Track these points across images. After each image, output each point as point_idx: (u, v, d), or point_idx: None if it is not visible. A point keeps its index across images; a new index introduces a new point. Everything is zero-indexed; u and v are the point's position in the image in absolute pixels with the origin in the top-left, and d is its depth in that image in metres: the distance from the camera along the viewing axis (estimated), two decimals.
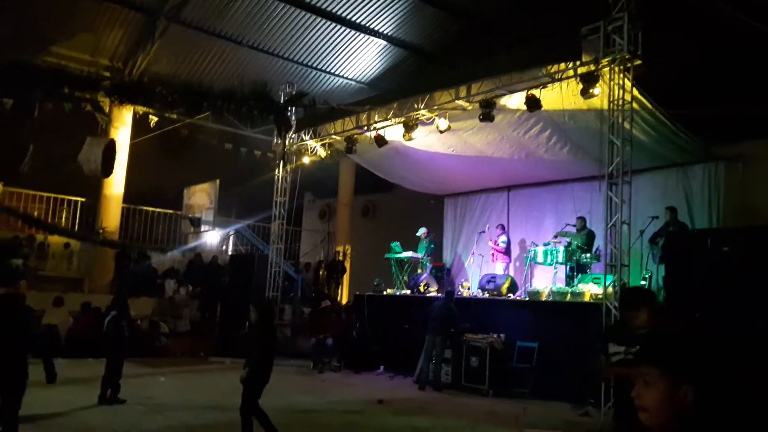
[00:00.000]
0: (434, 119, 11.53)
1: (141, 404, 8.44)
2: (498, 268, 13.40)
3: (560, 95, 10.00)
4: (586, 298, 10.27)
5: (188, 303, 15.47)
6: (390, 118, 12.11)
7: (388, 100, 12.21)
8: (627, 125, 8.79)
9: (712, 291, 8.18)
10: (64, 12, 13.41)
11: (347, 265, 18.13)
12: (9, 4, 12.78)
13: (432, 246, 14.79)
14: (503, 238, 13.64)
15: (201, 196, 17.73)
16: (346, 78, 16.41)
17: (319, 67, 15.98)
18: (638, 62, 8.70)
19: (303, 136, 14.15)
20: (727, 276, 8.13)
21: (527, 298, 11.52)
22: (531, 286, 12.09)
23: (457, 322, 11.08)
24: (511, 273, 13.31)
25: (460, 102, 10.94)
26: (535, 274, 13.17)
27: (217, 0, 13.64)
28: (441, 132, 11.52)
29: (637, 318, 4.17)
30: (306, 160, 14.44)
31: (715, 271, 8.26)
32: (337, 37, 15.14)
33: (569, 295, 10.64)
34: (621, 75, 8.74)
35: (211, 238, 17.76)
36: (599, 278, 10.17)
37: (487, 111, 10.48)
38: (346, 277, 18.16)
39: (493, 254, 13.72)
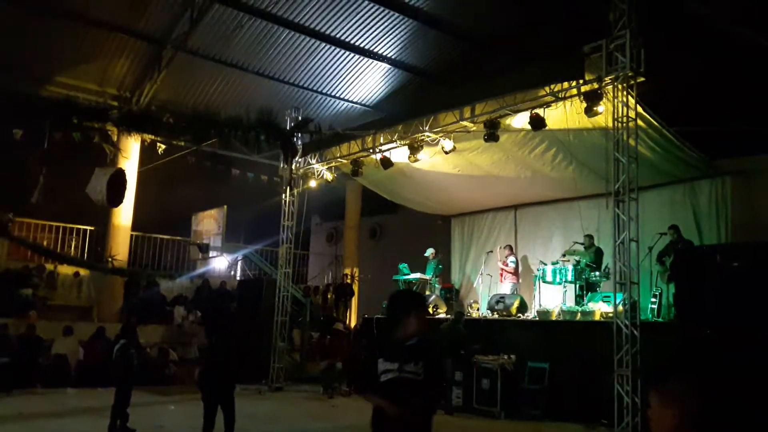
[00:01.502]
0: (439, 140, 11.57)
1: None
2: (505, 287, 13.36)
3: (564, 114, 10.02)
4: (597, 317, 10.20)
5: (197, 330, 15.44)
6: (395, 141, 12.16)
7: (393, 123, 12.26)
8: (632, 142, 8.78)
9: (723, 307, 8.12)
10: (70, 42, 13.60)
11: (355, 287, 18.09)
12: (16, 35, 12.97)
13: (440, 267, 14.75)
14: (512, 258, 13.63)
15: (209, 222, 17.81)
16: (351, 101, 16.53)
17: (323, 91, 16.12)
18: (641, 79, 8.71)
19: (309, 159, 14.21)
20: (738, 291, 8.07)
21: (537, 318, 11.44)
22: (540, 305, 12.02)
23: (466, 344, 11.00)
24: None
25: (464, 123, 10.97)
26: (543, 293, 13.11)
27: (223, 28, 13.82)
28: (446, 153, 11.55)
29: (405, 327, 3.64)
30: (312, 183, 14.49)
31: (725, 287, 8.20)
32: (342, 61, 15.29)
33: (579, 314, 10.57)
34: (624, 92, 8.76)
35: (220, 263, 17.78)
36: (609, 297, 10.10)
37: (492, 131, 10.51)
38: (354, 300, 18.11)
39: (501, 274, 13.69)
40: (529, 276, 13.75)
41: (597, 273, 11.49)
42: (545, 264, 12.20)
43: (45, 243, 14.29)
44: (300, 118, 12.94)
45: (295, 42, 14.48)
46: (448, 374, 10.49)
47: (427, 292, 14.33)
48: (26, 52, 13.18)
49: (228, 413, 6.57)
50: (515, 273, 13.58)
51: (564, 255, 12.11)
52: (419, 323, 3.64)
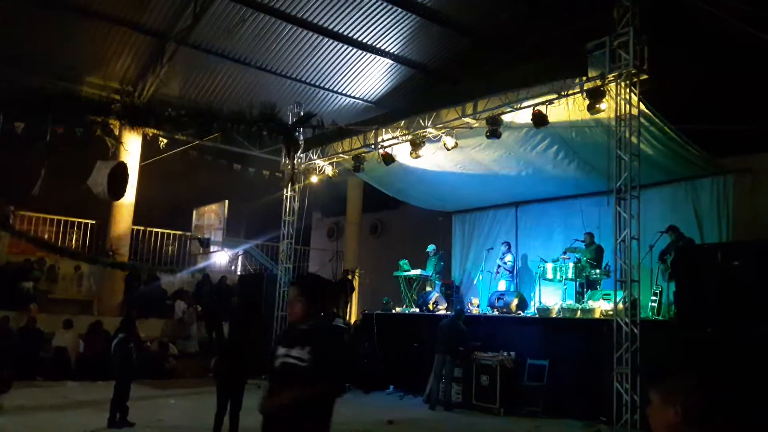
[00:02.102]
0: (441, 136, 11.56)
1: (151, 427, 8.42)
2: (501, 285, 13.36)
3: (567, 111, 10.01)
4: (597, 315, 10.20)
5: (193, 320, 15.45)
6: (397, 136, 12.15)
7: (395, 119, 12.25)
8: (634, 140, 8.78)
9: (723, 306, 8.12)
10: (72, 35, 13.58)
11: (356, 283, 18.08)
12: (18, 28, 12.95)
13: (441, 264, 14.75)
14: (509, 256, 13.62)
15: (210, 217, 17.80)
16: (353, 97, 16.51)
17: (326, 86, 16.10)
18: (644, 77, 8.71)
19: (311, 155, 14.21)
20: (738, 290, 8.06)
21: (537, 315, 11.45)
22: (540, 302, 12.03)
23: (465, 341, 11.01)
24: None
25: (466, 119, 10.96)
26: (543, 290, 13.12)
27: (226, 22, 13.80)
28: (448, 149, 11.54)
29: (291, 308, 3.48)
30: (314, 179, 14.48)
31: (726, 286, 8.20)
32: (344, 56, 15.26)
33: (579, 311, 10.57)
34: (627, 90, 8.75)
35: (220, 258, 17.78)
36: (609, 294, 10.10)
37: (494, 128, 10.50)
38: (354, 296, 18.10)
39: (497, 271, 13.68)
40: (530, 273, 13.76)
41: (597, 271, 11.49)
42: (545, 261, 12.20)
43: (46, 236, 14.31)
44: (302, 113, 12.94)
45: (297, 37, 14.46)
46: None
47: (428, 288, 14.35)
48: (28, 46, 13.16)
49: (235, 404, 6.79)
50: (512, 270, 13.58)
51: (565, 252, 12.11)
52: (301, 305, 3.43)
